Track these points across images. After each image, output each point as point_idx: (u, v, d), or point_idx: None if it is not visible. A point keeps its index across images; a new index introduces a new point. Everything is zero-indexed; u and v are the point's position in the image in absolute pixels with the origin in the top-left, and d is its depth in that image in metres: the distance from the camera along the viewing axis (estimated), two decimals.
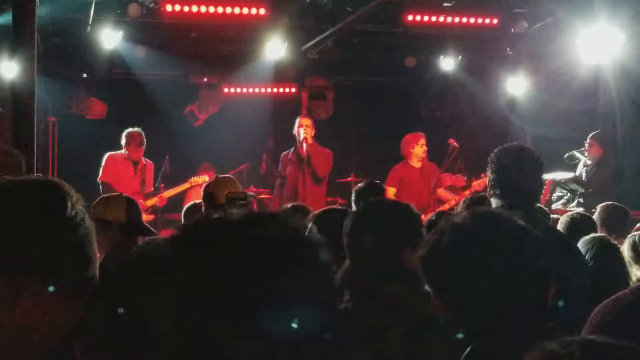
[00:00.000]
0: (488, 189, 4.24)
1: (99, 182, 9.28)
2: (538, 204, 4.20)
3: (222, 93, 12.37)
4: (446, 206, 9.18)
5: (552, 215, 7.00)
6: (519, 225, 2.06)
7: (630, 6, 8.60)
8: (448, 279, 2.00)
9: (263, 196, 10.25)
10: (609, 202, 6.17)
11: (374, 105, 13.05)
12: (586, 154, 9.93)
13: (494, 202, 4.15)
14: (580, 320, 1.99)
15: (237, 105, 12.41)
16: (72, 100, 11.42)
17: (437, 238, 2.03)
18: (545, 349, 1.22)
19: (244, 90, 12.43)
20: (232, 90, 12.38)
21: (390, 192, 9.57)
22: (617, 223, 5.74)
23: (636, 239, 4.36)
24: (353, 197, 6.07)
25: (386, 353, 2.63)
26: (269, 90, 12.44)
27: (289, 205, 5.35)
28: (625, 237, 4.87)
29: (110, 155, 9.45)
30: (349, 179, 10.45)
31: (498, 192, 4.15)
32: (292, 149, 9.68)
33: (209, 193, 5.30)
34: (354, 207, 5.86)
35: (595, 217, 5.77)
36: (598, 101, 10.59)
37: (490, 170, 4.21)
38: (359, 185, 6.23)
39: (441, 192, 9.62)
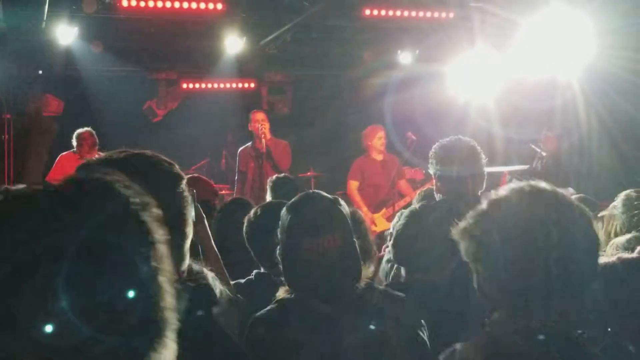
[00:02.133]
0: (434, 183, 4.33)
1: (46, 181, 9.16)
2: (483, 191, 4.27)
3: (181, 89, 12.32)
4: (407, 199, 9.27)
5: None
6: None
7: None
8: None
9: (223, 192, 10.23)
10: (576, 195, 6.25)
11: (333, 100, 13.08)
12: (542, 146, 10.08)
13: (437, 196, 4.23)
14: None
15: (196, 101, 12.36)
16: (27, 97, 11.28)
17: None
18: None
19: (203, 85, 12.39)
20: (191, 85, 12.33)
21: (353, 185, 9.64)
22: None
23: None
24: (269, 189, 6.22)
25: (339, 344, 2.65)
26: (228, 85, 12.41)
27: (230, 199, 5.37)
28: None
29: (62, 156, 9.35)
30: (309, 173, 10.49)
31: (439, 184, 4.24)
32: (250, 144, 9.68)
33: None
34: (268, 198, 5.95)
35: None
36: (557, 100, 10.70)
37: (430, 164, 4.30)
38: (271, 178, 6.41)
39: (402, 184, 9.70)
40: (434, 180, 4.34)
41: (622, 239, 3.83)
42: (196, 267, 2.18)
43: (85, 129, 9.36)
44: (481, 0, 9.82)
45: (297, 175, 10.45)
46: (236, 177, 9.78)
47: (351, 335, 2.63)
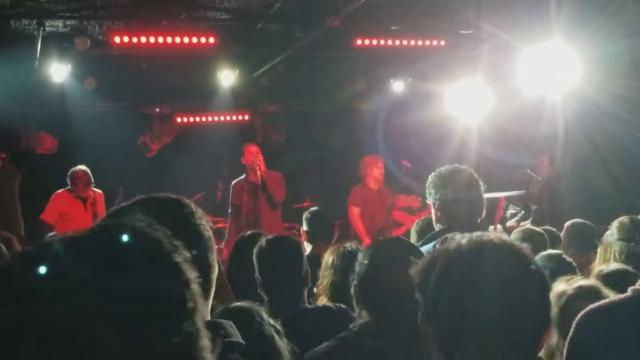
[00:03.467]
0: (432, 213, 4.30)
1: (40, 219, 9.15)
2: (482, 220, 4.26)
3: (175, 123, 12.33)
4: (403, 228, 9.25)
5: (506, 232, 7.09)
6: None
7: (584, 27, 8.77)
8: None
9: (220, 225, 10.20)
10: (576, 220, 6.25)
11: (328, 129, 13.10)
12: (537, 170, 10.10)
13: (436, 226, 4.20)
14: None
15: (190, 134, 12.38)
16: (21, 135, 11.28)
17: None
18: None
19: (197, 119, 12.41)
20: (185, 119, 12.34)
21: (355, 211, 9.62)
22: (579, 238, 5.87)
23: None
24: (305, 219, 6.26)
25: None
26: (222, 118, 12.43)
27: (248, 232, 5.35)
28: (586, 253, 5.06)
29: (56, 194, 9.31)
30: (305, 204, 10.46)
31: (439, 213, 4.21)
32: (243, 177, 9.65)
33: None
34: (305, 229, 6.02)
35: (562, 234, 5.94)
36: (546, 126, 10.73)
37: (429, 194, 4.27)
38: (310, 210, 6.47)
39: (397, 214, 9.69)
40: (432, 210, 4.31)
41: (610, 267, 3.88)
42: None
43: (80, 167, 9.33)
44: (472, 28, 9.88)
45: (291, 206, 10.44)
46: (229, 211, 9.71)
47: None
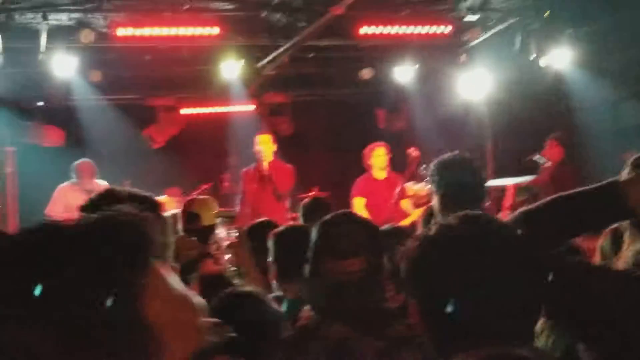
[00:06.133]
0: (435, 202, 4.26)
1: (45, 214, 9.15)
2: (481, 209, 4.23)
3: (179, 115, 12.31)
4: (410, 219, 9.17)
5: None
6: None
7: None
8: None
9: (227, 214, 10.19)
10: None
11: (333, 119, 13.08)
12: (547, 155, 10.03)
13: (440, 215, 4.17)
14: None
15: (196, 126, 12.36)
16: (28, 129, 11.29)
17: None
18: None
19: (202, 110, 12.39)
20: (190, 111, 12.33)
21: (359, 202, 9.54)
22: None
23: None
24: (300, 213, 6.21)
25: None
26: (227, 109, 12.40)
27: (257, 220, 5.35)
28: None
29: (60, 188, 9.32)
30: (312, 193, 10.43)
31: (442, 202, 4.19)
32: (253, 166, 9.66)
33: (194, 213, 5.26)
34: (301, 222, 5.97)
35: None
36: (557, 106, 10.69)
37: (431, 182, 4.24)
38: (304, 201, 6.44)
39: (404, 203, 9.60)
40: (436, 198, 4.28)
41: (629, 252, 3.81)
42: None
43: (84, 159, 9.34)
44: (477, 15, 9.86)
45: (298, 196, 10.43)
46: (239, 199, 9.74)
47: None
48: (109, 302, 1.03)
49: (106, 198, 2.12)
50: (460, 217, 1.91)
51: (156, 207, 2.11)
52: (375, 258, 2.75)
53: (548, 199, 2.39)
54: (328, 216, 2.88)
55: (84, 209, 2.06)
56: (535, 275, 1.87)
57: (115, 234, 1.08)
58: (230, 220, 3.80)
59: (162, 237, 2.03)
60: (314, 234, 2.82)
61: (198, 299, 1.15)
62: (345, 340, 2.62)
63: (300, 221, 6.11)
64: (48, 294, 1.02)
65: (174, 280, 1.13)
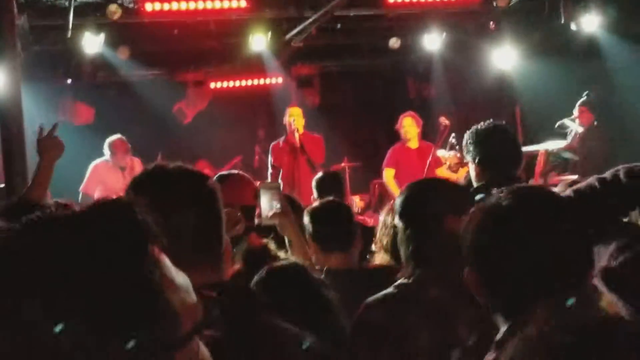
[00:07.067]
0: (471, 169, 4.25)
1: (80, 191, 9.21)
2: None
3: (209, 89, 12.32)
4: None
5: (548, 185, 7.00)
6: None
7: None
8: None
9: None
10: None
11: (362, 89, 13.03)
12: (577, 121, 9.93)
13: (476, 183, 4.16)
14: None
15: (225, 100, 12.37)
16: (58, 107, 11.35)
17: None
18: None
19: (231, 84, 12.38)
20: (219, 85, 12.32)
21: (389, 173, 9.58)
22: None
23: None
24: (314, 185, 6.27)
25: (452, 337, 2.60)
26: (255, 82, 12.38)
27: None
28: None
29: (94, 165, 9.36)
30: (343, 164, 10.44)
31: (479, 170, 4.17)
32: (282, 139, 9.68)
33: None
34: (315, 196, 6.07)
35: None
36: (590, 69, 10.54)
37: (467, 152, 4.24)
38: (318, 175, 6.50)
39: (439, 171, 9.56)
40: (471, 167, 4.26)
41: None
42: None
43: (117, 136, 9.37)
44: None
45: (330, 167, 10.42)
46: (270, 172, 9.77)
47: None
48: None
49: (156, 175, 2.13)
50: (513, 191, 1.96)
51: (206, 180, 2.12)
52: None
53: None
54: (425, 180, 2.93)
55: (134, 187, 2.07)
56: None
57: (112, 223, 1.06)
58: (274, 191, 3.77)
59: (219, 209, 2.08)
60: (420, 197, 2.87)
61: (185, 278, 1.13)
62: (444, 305, 2.62)
63: (314, 195, 6.16)
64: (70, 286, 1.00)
65: (167, 262, 1.12)
